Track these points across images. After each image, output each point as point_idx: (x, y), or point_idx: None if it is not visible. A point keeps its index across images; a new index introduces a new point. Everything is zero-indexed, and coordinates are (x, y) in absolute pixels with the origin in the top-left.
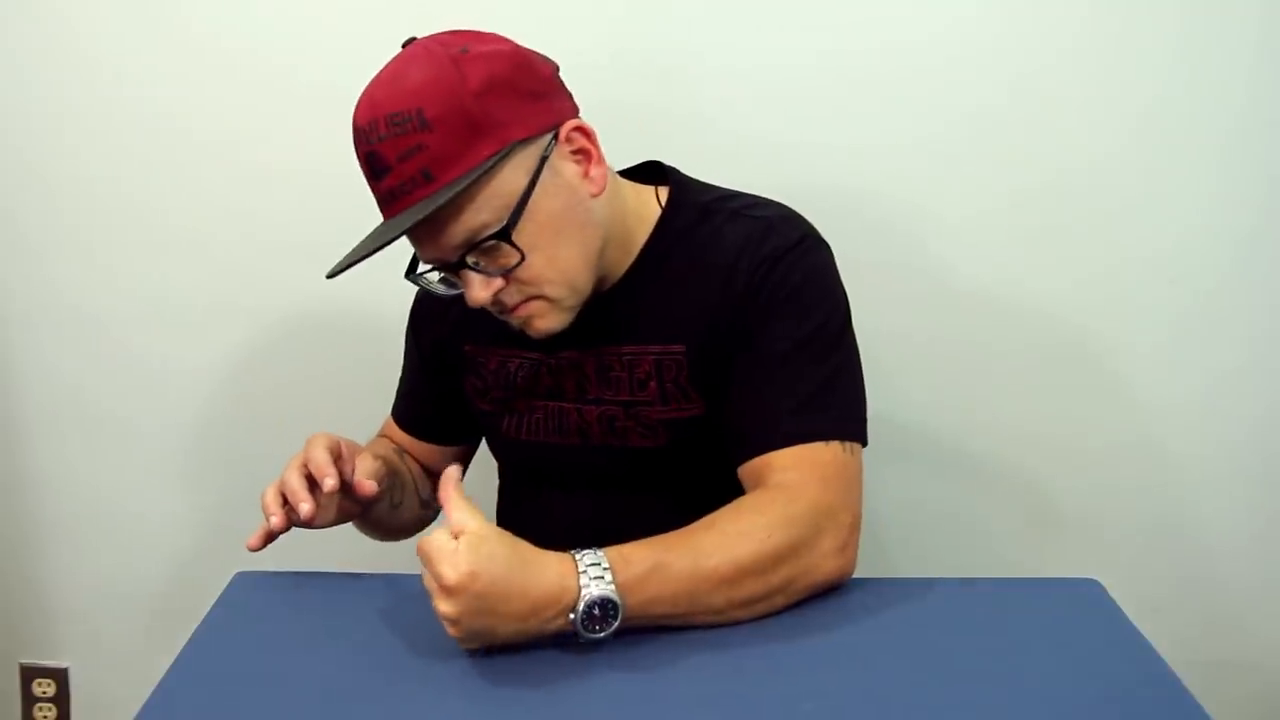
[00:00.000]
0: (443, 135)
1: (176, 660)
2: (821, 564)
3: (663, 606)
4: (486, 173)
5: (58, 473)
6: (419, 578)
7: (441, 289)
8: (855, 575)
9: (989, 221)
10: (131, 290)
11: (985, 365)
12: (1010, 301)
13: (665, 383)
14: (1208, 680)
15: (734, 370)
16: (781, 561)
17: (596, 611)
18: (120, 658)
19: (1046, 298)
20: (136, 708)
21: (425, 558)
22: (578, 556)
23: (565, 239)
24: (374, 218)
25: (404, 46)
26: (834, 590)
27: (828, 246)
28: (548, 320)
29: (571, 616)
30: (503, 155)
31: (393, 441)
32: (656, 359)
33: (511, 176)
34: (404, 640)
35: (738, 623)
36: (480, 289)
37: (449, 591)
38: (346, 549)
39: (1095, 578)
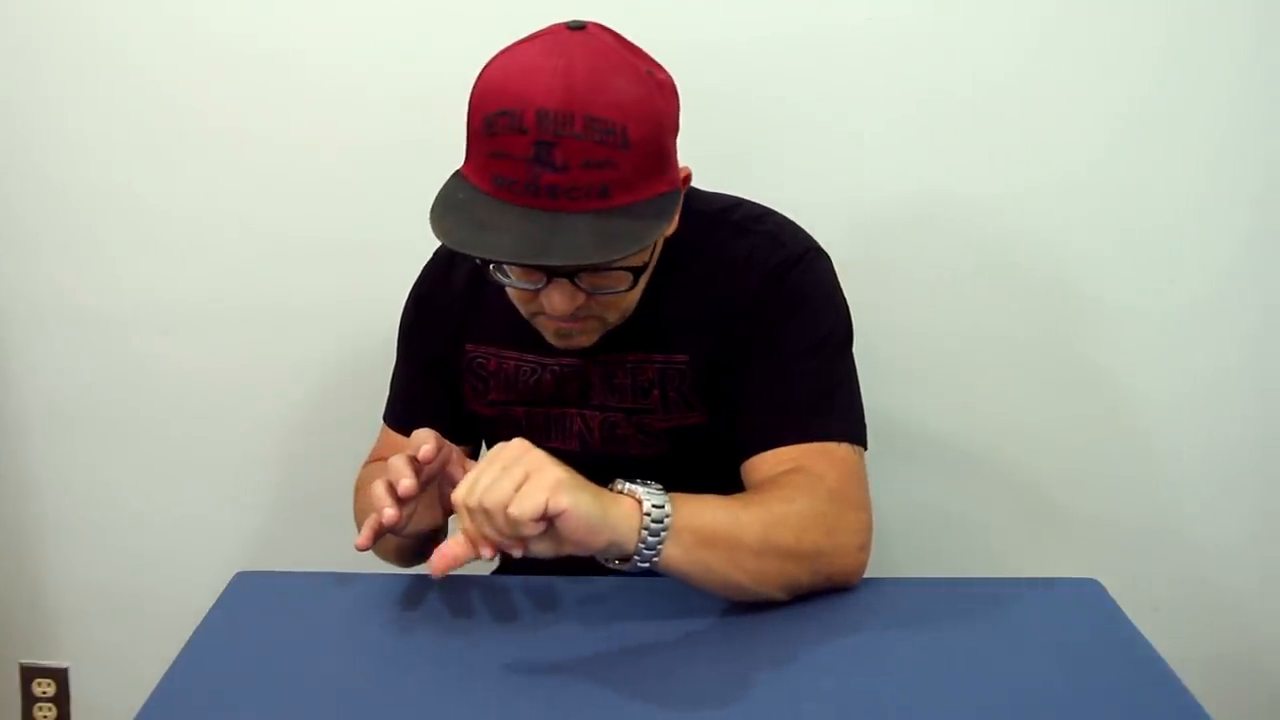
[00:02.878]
0: (636, 160)
1: (176, 660)
2: (846, 555)
3: (702, 517)
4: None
5: (58, 473)
6: (419, 578)
7: (507, 279)
8: (813, 590)
9: (984, 222)
10: (133, 290)
11: (985, 366)
12: (1009, 302)
13: (668, 391)
14: (1207, 679)
15: (741, 374)
16: (809, 527)
17: (654, 510)
18: (120, 658)
19: (1045, 298)
20: (136, 708)
21: (492, 457)
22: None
23: (646, 277)
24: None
25: (571, 29)
26: (840, 590)
27: (828, 257)
28: (590, 338)
29: (624, 488)
30: (678, 196)
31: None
32: (660, 368)
33: None
34: (404, 640)
35: (768, 584)
36: (566, 301)
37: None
38: (346, 549)
39: (1095, 578)
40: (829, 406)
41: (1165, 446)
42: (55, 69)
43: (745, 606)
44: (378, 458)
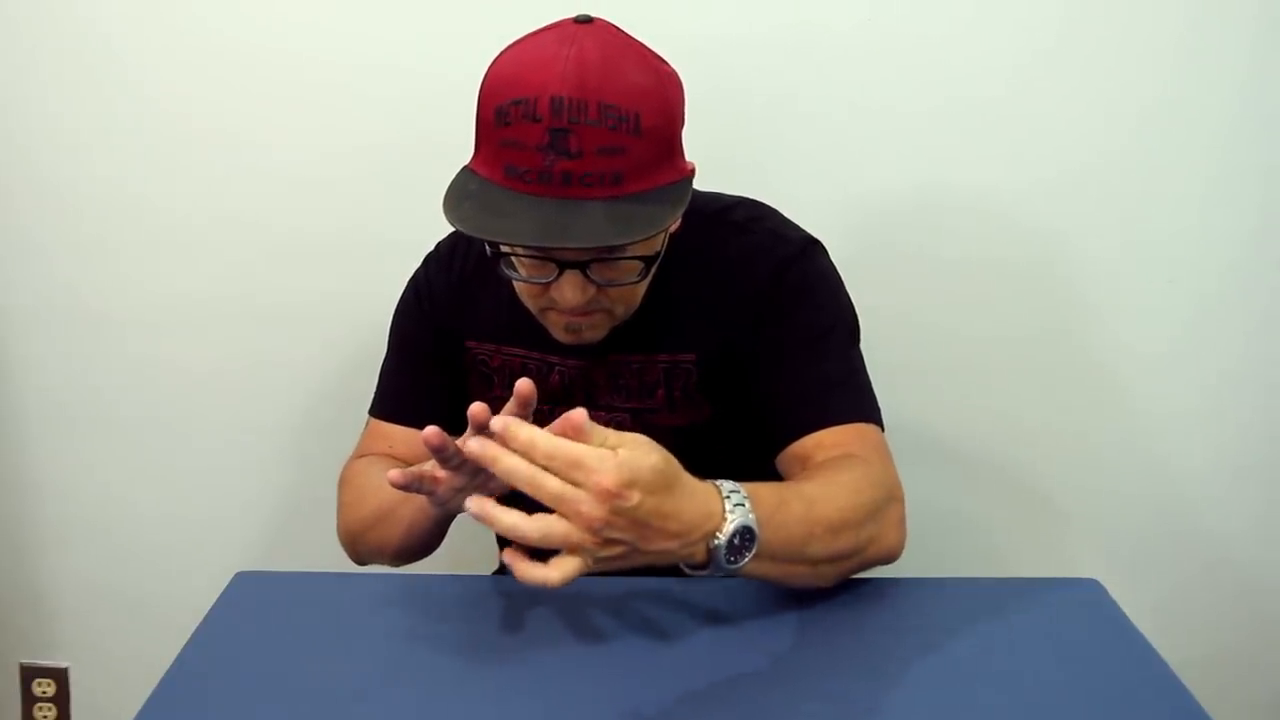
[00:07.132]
0: (647, 147)
1: (176, 660)
2: (891, 532)
3: (778, 550)
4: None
5: (58, 473)
6: (419, 579)
7: (516, 274)
8: (856, 575)
9: (987, 221)
10: (132, 290)
11: (985, 364)
12: (1010, 301)
13: (674, 391)
14: (1208, 680)
15: (755, 368)
16: (869, 519)
17: (737, 541)
18: (120, 658)
19: (1047, 298)
20: (136, 708)
21: (574, 462)
22: (719, 484)
23: (655, 269)
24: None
25: (578, 22)
26: (844, 586)
27: (828, 252)
28: (598, 332)
29: (715, 543)
30: (688, 185)
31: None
32: (666, 367)
33: None
34: (404, 640)
35: (820, 584)
36: (578, 293)
37: (605, 496)
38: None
39: (1095, 578)
40: (852, 388)
41: (1166, 446)
42: (54, 68)
43: (744, 606)
44: (366, 453)
